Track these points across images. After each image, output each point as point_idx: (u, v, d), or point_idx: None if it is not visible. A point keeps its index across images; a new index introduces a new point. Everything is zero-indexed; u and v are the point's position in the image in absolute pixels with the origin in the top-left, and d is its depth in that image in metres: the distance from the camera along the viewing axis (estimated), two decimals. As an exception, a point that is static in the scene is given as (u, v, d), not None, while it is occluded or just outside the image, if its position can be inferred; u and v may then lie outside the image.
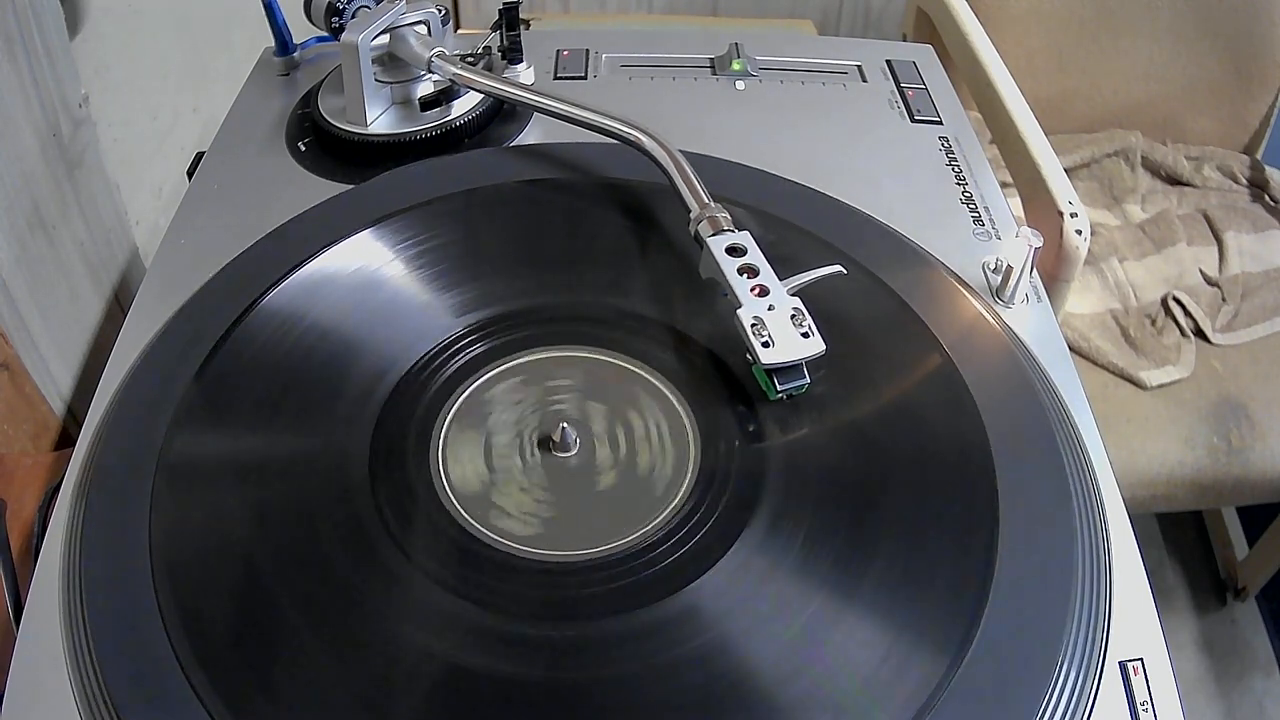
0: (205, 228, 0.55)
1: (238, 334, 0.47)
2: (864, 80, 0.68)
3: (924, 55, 0.71)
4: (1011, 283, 0.51)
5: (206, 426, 0.44)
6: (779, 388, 0.44)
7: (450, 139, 0.59)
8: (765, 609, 0.39)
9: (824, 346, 0.44)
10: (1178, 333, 0.94)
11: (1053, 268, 0.66)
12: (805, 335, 0.44)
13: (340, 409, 0.45)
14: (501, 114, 0.62)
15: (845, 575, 0.39)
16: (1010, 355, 0.47)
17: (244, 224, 0.54)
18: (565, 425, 0.44)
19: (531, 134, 0.62)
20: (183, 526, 0.40)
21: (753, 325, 0.45)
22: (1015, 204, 0.67)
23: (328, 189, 0.57)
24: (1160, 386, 0.90)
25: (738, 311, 0.45)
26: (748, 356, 0.45)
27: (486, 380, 0.47)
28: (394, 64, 0.59)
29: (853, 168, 0.59)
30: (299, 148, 0.60)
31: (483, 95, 0.60)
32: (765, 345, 0.44)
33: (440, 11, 0.60)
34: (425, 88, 0.60)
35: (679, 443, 0.45)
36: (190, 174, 0.60)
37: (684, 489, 0.43)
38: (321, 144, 0.60)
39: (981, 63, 0.81)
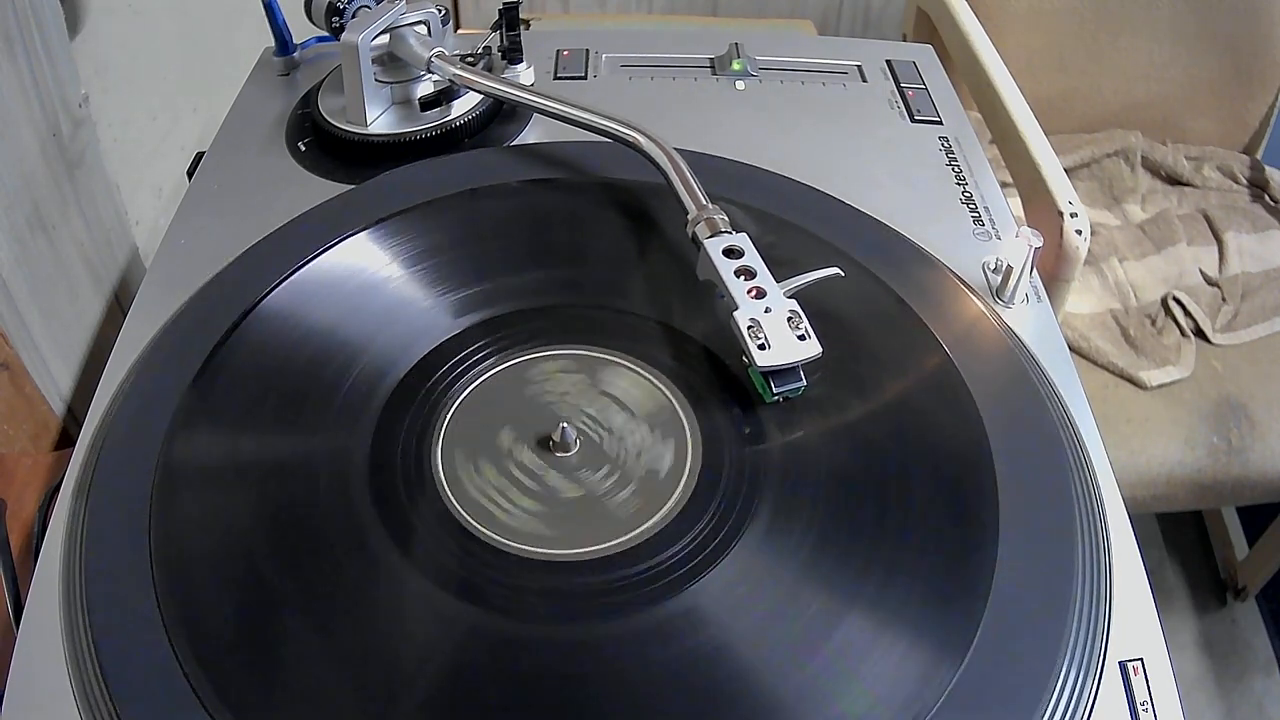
0: (205, 228, 0.55)
1: (238, 334, 0.47)
2: (864, 80, 0.68)
3: (924, 55, 0.71)
4: (1011, 283, 0.51)
5: (206, 427, 0.44)
6: (775, 390, 0.44)
7: (450, 139, 0.59)
8: (765, 609, 0.39)
9: (820, 350, 0.44)
10: (1178, 333, 0.94)
11: (1053, 268, 0.66)
12: (802, 338, 0.44)
13: (340, 409, 0.45)
14: (501, 114, 0.62)
15: (845, 575, 0.39)
16: (1010, 355, 0.47)
17: (244, 224, 0.54)
18: (565, 425, 0.44)
19: (531, 134, 0.62)
20: (183, 526, 0.40)
21: (749, 327, 0.45)
22: (1015, 204, 0.67)
23: (328, 189, 0.57)
24: (1160, 386, 0.90)
25: (734, 314, 0.45)
26: (744, 359, 0.45)
27: (486, 380, 0.47)
28: (394, 64, 0.59)
29: (853, 168, 0.59)
30: (299, 148, 0.60)
31: (482, 95, 0.60)
32: (761, 348, 0.44)
33: (440, 11, 0.60)
34: (425, 88, 0.60)
35: (679, 442, 0.45)
36: (190, 174, 0.60)
37: (684, 489, 0.43)
38: (321, 144, 0.60)
39: (981, 63, 0.81)
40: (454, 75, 0.57)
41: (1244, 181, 1.11)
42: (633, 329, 0.49)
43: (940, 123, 0.64)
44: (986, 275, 0.53)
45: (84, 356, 0.64)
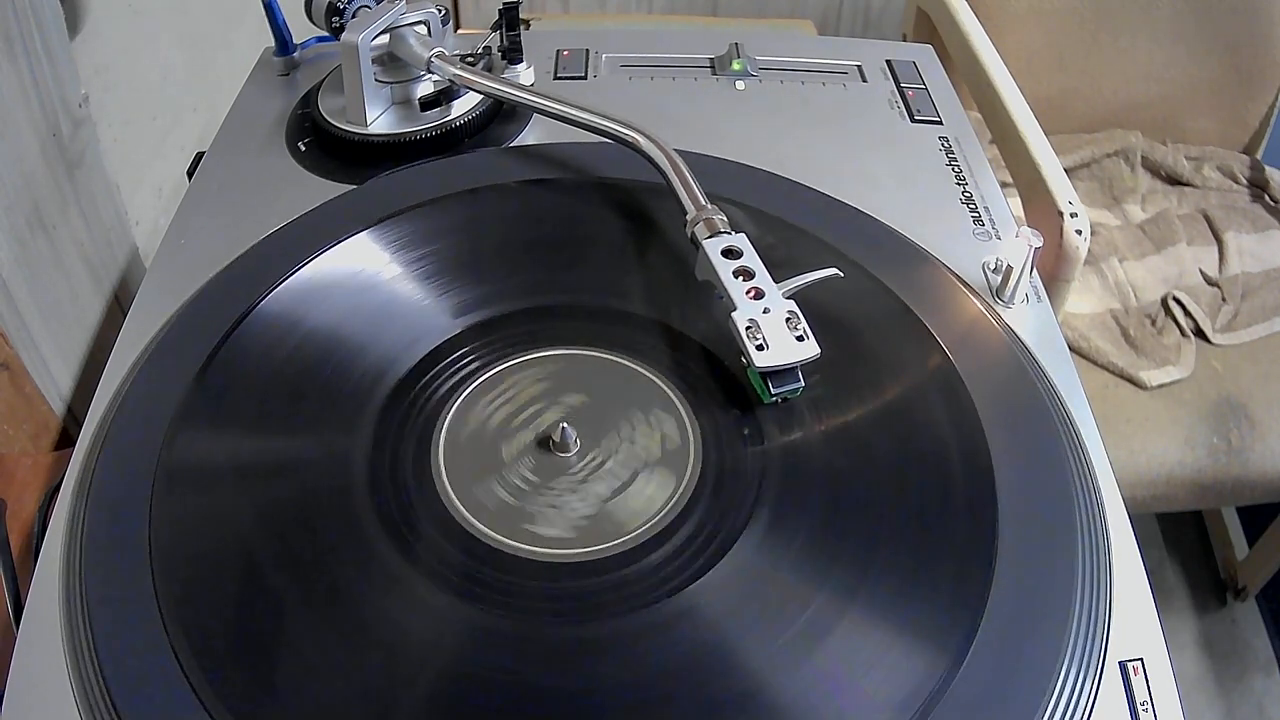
0: (205, 228, 0.55)
1: (238, 334, 0.47)
2: (864, 80, 0.68)
3: (924, 55, 0.71)
4: (1011, 283, 0.51)
5: (206, 427, 0.44)
6: (773, 391, 0.44)
7: (450, 139, 0.59)
8: (765, 609, 0.39)
9: (819, 350, 0.44)
10: (1178, 333, 0.94)
11: (1053, 268, 0.66)
12: (800, 339, 0.44)
13: (340, 410, 0.45)
14: (501, 114, 0.62)
15: (845, 575, 0.39)
16: (1010, 355, 0.47)
17: (244, 224, 0.54)
18: (565, 425, 0.44)
19: (531, 134, 0.62)
20: (183, 526, 0.40)
21: (747, 328, 0.44)
22: (1015, 204, 0.67)
23: (328, 189, 0.57)
24: (1160, 386, 0.90)
25: (732, 314, 0.45)
26: (742, 359, 0.45)
27: (486, 381, 0.47)
28: (394, 64, 0.59)
29: (853, 168, 0.59)
30: (299, 148, 0.60)
31: (482, 95, 0.60)
32: (760, 348, 0.44)
33: (440, 11, 0.60)
34: (425, 88, 0.60)
35: (679, 443, 0.45)
36: (190, 174, 0.60)
37: (684, 489, 0.43)
38: (321, 144, 0.60)
39: (981, 63, 0.81)
40: (454, 75, 0.57)
41: (1244, 181, 1.11)
42: (632, 329, 0.49)
43: (940, 123, 0.64)
44: (986, 275, 0.53)
45: (84, 356, 0.64)
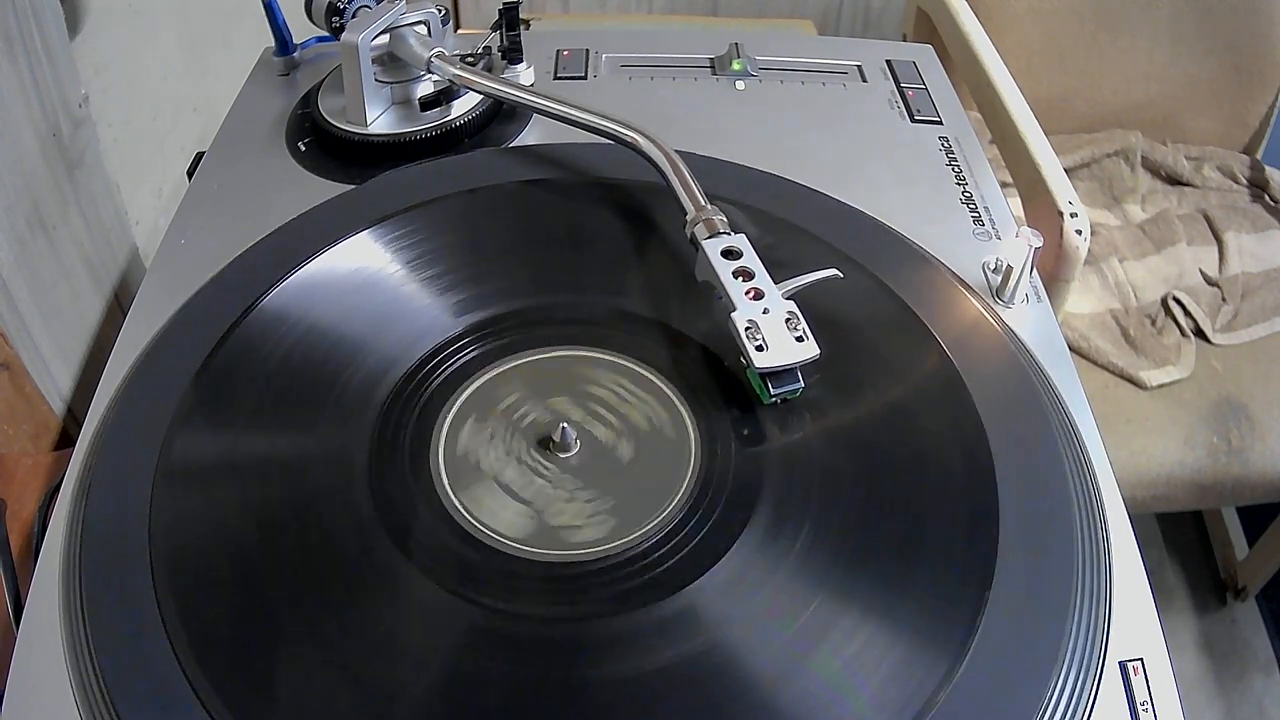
0: (205, 228, 0.55)
1: (238, 334, 0.47)
2: (864, 80, 0.68)
3: (924, 55, 0.71)
4: (1011, 283, 0.51)
5: (206, 426, 0.44)
6: (773, 392, 0.44)
7: (450, 139, 0.59)
8: (765, 609, 0.39)
9: (818, 351, 0.44)
10: (1178, 333, 0.94)
11: (1053, 268, 0.66)
12: (800, 340, 0.44)
13: (340, 409, 0.45)
14: (501, 114, 0.62)
15: (845, 575, 0.39)
16: (1010, 355, 0.47)
17: (244, 224, 0.54)
18: (565, 425, 0.44)
19: (531, 134, 0.62)
20: (183, 526, 0.40)
21: (747, 329, 0.44)
22: (1015, 204, 0.67)
23: (328, 189, 0.57)
24: (1160, 386, 0.90)
25: (732, 315, 0.45)
26: (742, 360, 0.45)
27: (486, 380, 0.47)
28: (394, 64, 0.59)
29: (852, 167, 0.59)
30: (299, 148, 0.60)
31: (482, 95, 0.60)
32: (759, 349, 0.44)
33: (440, 11, 0.60)
34: (425, 88, 0.60)
35: (679, 443, 0.45)
36: (190, 174, 0.60)
37: (684, 489, 0.43)
38: (321, 144, 0.60)
39: (981, 63, 0.81)
40: (454, 75, 0.57)
41: (1244, 181, 1.11)
42: (632, 329, 0.49)
43: (940, 123, 0.64)
44: (986, 275, 0.53)
45: (84, 356, 0.64)
